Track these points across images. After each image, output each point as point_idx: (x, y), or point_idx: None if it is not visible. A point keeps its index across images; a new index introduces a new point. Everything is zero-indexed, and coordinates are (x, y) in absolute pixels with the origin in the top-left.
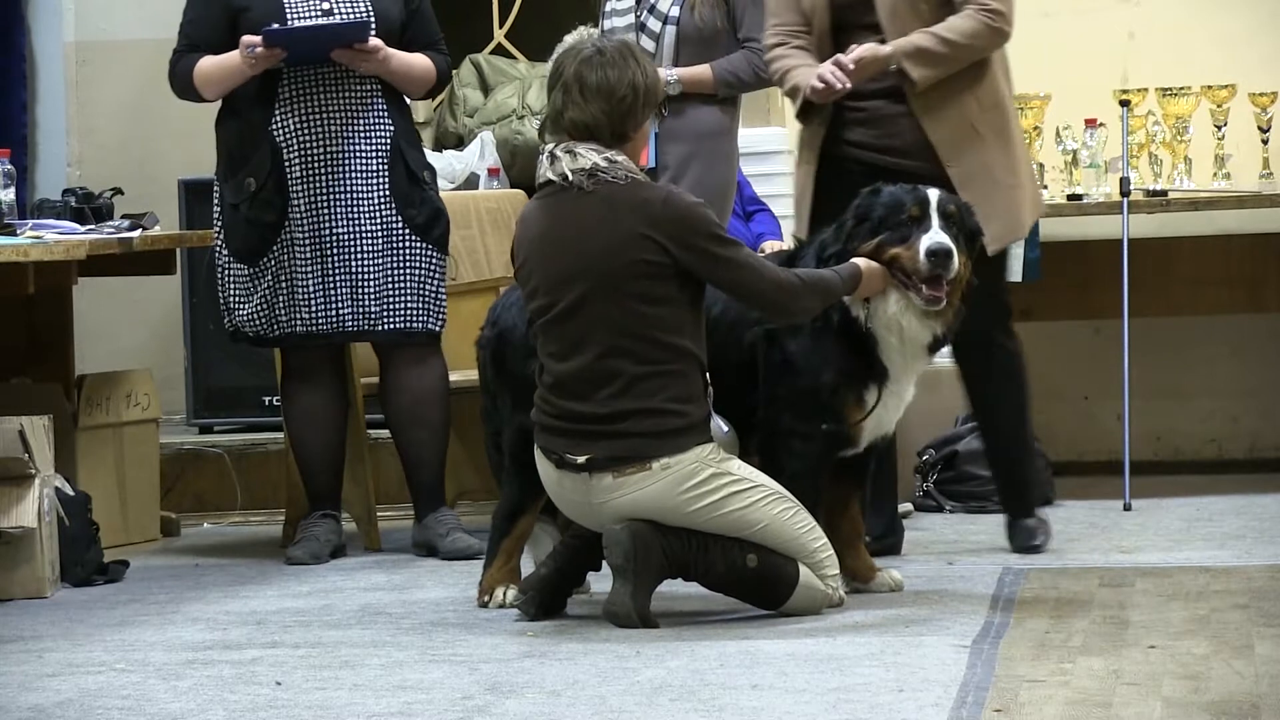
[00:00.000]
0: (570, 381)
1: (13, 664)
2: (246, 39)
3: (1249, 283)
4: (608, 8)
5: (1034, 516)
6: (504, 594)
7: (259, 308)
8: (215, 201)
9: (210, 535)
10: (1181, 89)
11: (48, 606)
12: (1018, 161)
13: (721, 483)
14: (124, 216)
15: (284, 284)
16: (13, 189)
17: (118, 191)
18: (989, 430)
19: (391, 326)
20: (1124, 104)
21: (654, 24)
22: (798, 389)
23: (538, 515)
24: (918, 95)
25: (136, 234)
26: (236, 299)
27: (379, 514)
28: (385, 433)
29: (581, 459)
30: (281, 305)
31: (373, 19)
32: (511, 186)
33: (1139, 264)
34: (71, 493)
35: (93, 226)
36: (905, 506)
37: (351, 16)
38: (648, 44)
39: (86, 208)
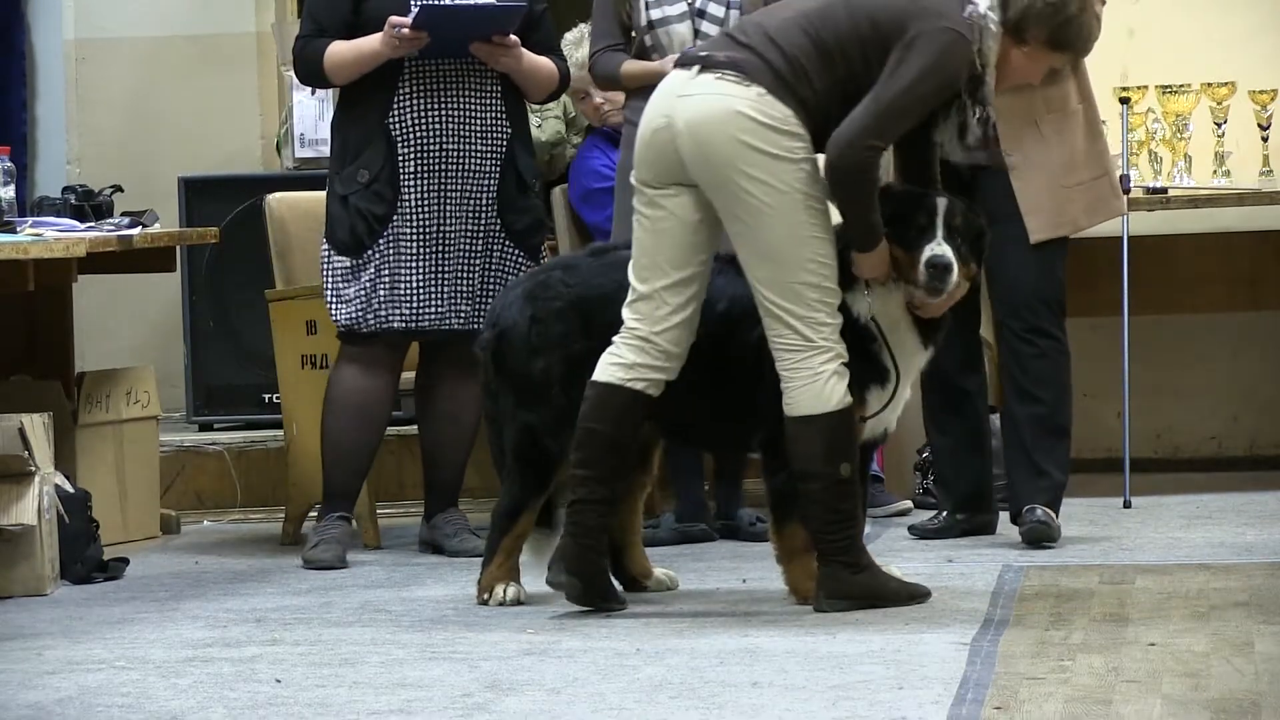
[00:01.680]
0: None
1: (13, 661)
2: (394, 19)
3: (1249, 280)
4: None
5: (1044, 510)
6: (504, 591)
7: (356, 299)
8: (326, 197)
9: (210, 533)
10: (1181, 86)
11: (47, 604)
12: (1077, 165)
13: (786, 169)
14: (124, 214)
15: (385, 277)
16: (12, 186)
17: (117, 189)
18: (1019, 419)
19: (466, 327)
20: (1124, 101)
21: (716, 9)
22: None
23: (537, 516)
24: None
25: (136, 231)
26: (336, 292)
27: (378, 511)
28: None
29: (705, 54)
30: (382, 298)
31: (522, 2)
32: None
33: (1139, 261)
34: (71, 490)
35: (92, 224)
36: (904, 504)
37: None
38: (710, 29)
39: (86, 205)
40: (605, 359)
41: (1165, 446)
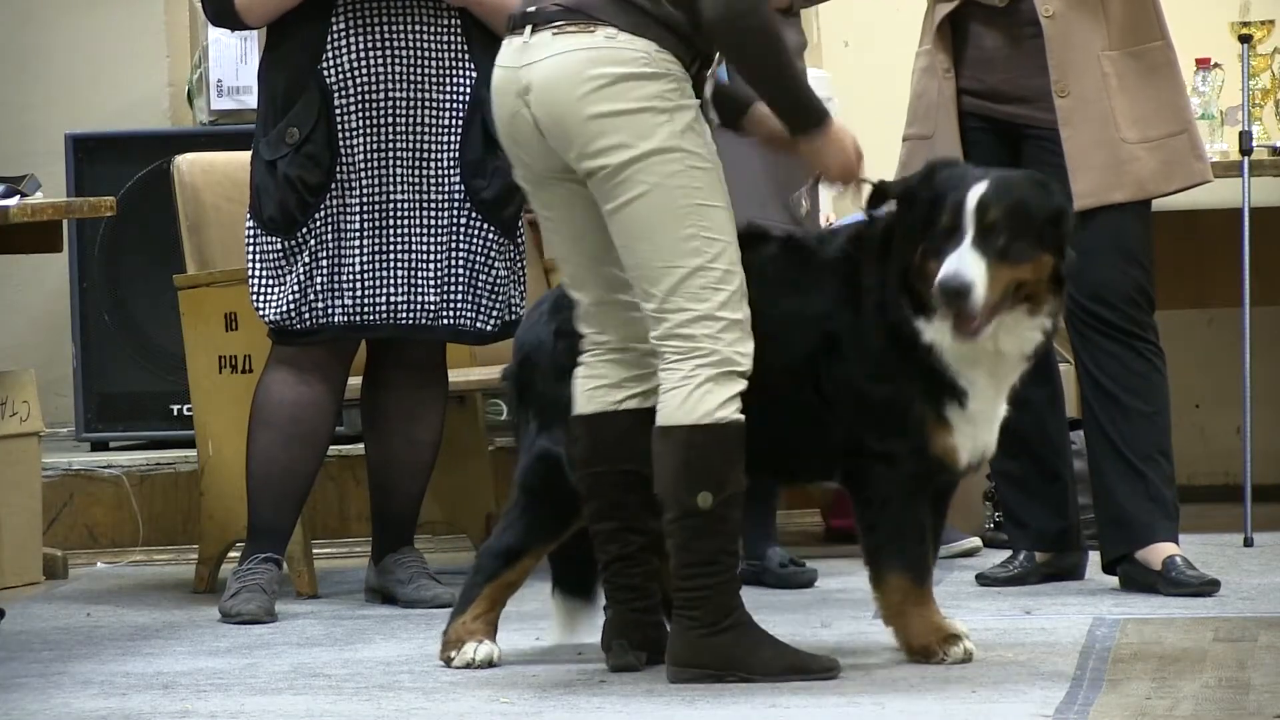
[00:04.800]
0: None
1: None
2: None
3: None
4: None
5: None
6: (474, 650)
7: (289, 288)
8: (251, 163)
9: (105, 577)
10: None
11: None
12: (1148, 117)
13: (646, 123)
14: None
15: (324, 261)
16: None
17: None
18: (1112, 434)
19: (449, 323)
20: (1244, 40)
21: None
22: (875, 404)
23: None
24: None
25: (13, 202)
26: (266, 281)
27: (315, 551)
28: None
29: (533, 9)
30: (320, 287)
31: None
32: None
33: (1264, 239)
34: None
35: None
36: (972, 541)
37: None
38: None
39: None
40: (581, 386)
41: None
